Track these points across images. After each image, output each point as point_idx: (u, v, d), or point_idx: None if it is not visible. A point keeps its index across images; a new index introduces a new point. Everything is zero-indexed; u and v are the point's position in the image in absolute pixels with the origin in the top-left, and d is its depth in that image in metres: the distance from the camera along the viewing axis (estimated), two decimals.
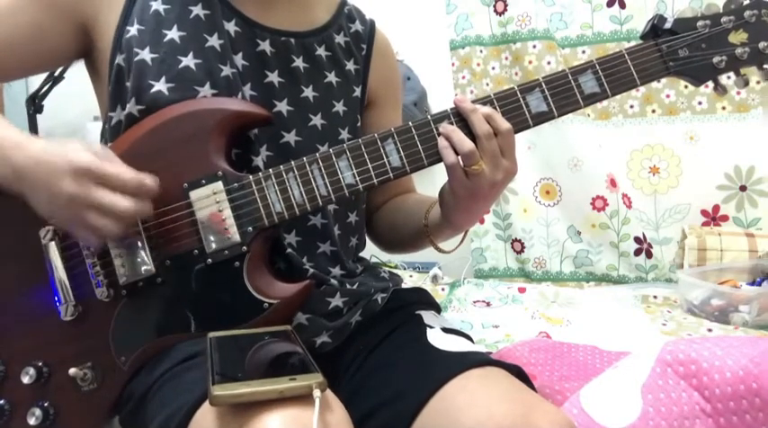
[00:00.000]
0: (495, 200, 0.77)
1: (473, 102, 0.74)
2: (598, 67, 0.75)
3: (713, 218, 1.77)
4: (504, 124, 0.72)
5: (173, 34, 0.77)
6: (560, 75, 0.75)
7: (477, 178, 0.72)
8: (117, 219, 0.66)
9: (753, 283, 1.51)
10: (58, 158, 0.65)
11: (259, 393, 0.54)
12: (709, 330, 1.35)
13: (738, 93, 1.71)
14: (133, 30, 0.76)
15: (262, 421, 0.53)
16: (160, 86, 0.74)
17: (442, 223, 0.82)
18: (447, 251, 0.87)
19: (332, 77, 0.86)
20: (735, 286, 1.49)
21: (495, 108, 0.74)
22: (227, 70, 0.77)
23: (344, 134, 0.86)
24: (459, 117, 0.74)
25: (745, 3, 0.77)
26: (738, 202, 1.74)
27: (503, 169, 0.73)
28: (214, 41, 0.77)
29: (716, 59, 0.76)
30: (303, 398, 0.54)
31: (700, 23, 0.76)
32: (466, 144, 0.71)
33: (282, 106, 0.81)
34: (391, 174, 0.74)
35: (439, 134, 0.74)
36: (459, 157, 0.72)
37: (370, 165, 0.74)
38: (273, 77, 0.81)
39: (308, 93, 0.83)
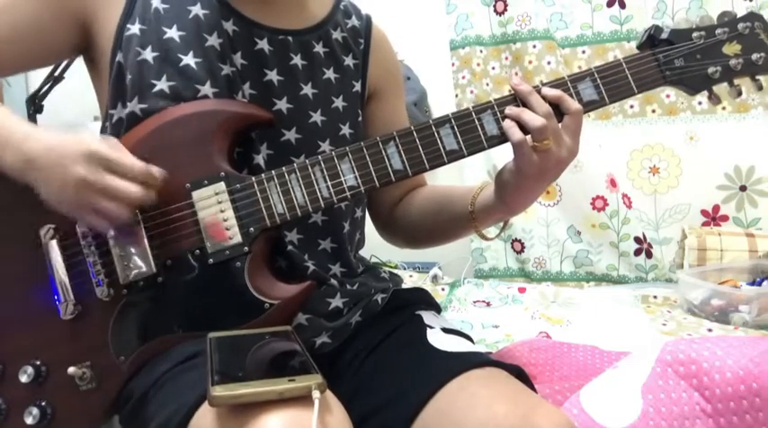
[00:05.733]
0: (554, 181, 0.78)
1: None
2: (597, 75, 0.76)
3: (713, 218, 1.77)
4: (575, 105, 0.74)
5: (172, 33, 0.77)
6: (560, 81, 0.76)
7: (545, 155, 0.73)
8: (125, 204, 0.67)
9: (753, 283, 1.51)
10: (70, 144, 0.67)
11: (258, 394, 0.54)
12: (710, 330, 1.35)
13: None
14: (135, 28, 0.77)
15: (261, 422, 0.53)
16: (161, 85, 0.75)
17: (494, 207, 0.81)
18: (490, 238, 0.89)
19: (330, 74, 0.86)
20: (735, 286, 1.49)
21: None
22: (227, 69, 0.78)
23: (345, 129, 0.86)
24: (459, 121, 0.75)
25: (739, 15, 0.79)
26: (738, 202, 1.74)
27: (566, 147, 0.74)
28: (213, 41, 0.78)
29: (711, 70, 0.78)
30: (302, 399, 0.54)
31: (695, 35, 0.78)
32: (537, 120, 0.72)
33: (282, 104, 0.82)
34: (393, 177, 0.75)
35: (440, 137, 0.74)
36: (528, 136, 0.73)
37: (371, 168, 0.74)
38: (272, 76, 0.82)
39: (307, 90, 0.84)
